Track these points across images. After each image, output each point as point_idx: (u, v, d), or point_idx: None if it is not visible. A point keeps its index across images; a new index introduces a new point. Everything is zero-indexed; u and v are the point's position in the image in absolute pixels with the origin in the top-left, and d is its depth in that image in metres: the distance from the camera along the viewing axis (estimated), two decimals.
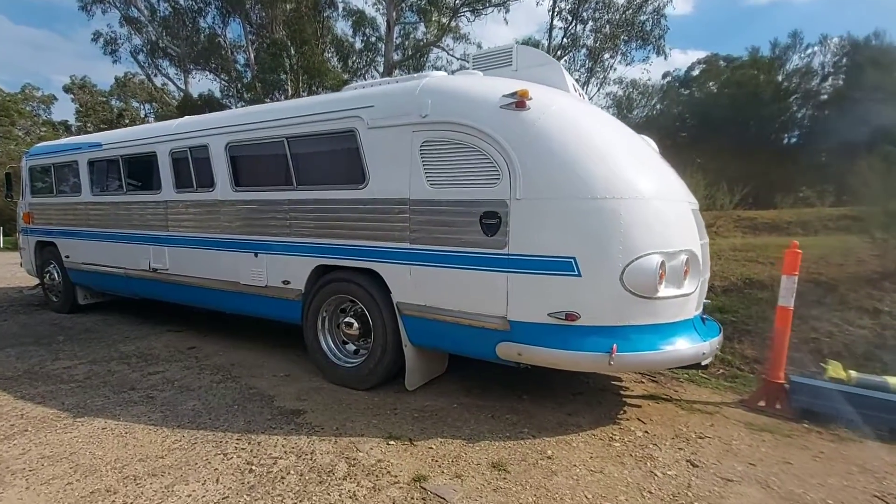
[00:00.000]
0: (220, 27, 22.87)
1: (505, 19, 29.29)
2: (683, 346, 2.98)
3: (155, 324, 5.90)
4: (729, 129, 19.97)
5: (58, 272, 6.49)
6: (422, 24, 23.72)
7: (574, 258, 2.81)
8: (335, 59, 23.47)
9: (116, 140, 5.42)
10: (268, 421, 3.18)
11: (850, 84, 17.49)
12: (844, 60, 18.47)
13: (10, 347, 4.90)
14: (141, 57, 23.18)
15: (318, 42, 21.97)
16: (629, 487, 2.47)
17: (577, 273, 2.81)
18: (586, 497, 2.38)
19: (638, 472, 2.61)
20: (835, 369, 3.70)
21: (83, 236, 5.89)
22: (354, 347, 3.92)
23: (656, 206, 2.97)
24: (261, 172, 4.28)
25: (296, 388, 3.77)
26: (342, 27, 23.91)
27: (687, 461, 2.74)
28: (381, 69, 23.13)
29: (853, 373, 3.60)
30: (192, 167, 4.63)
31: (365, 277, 3.60)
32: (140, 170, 5.28)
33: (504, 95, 3.03)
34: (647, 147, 3.21)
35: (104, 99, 39.91)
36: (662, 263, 2.85)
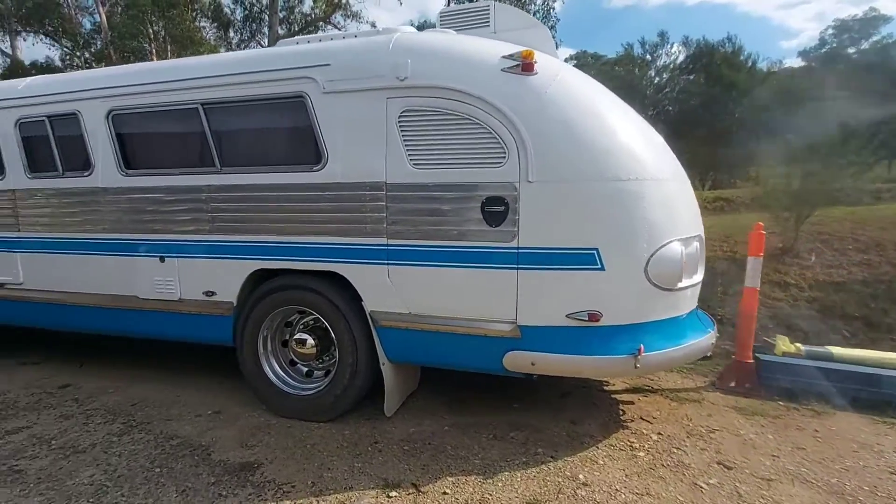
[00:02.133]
0: None
1: (400, 1, 28.46)
2: (698, 338, 2.77)
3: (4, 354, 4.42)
4: None
5: None
6: None
7: (597, 249, 2.42)
8: (214, 28, 20.76)
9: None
10: (212, 487, 2.35)
11: (708, 80, 19.81)
12: (703, 60, 20.90)
13: None
14: None
15: (188, 8, 19.18)
16: None
17: (599, 266, 2.43)
18: None
19: (682, 486, 2.33)
20: (784, 343, 3.84)
21: None
22: (307, 369, 3.16)
23: (673, 187, 2.70)
24: (165, 150, 3.25)
25: (235, 430, 2.93)
26: None
27: (718, 464, 2.54)
28: (265, 43, 20.93)
29: (800, 346, 3.77)
30: (55, 144, 3.40)
31: (324, 283, 2.87)
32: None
33: (504, 57, 2.51)
34: (644, 122, 2.94)
35: None
36: (682, 251, 2.59)
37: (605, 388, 3.55)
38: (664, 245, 2.51)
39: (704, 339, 2.82)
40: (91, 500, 2.26)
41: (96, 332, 3.72)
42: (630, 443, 2.75)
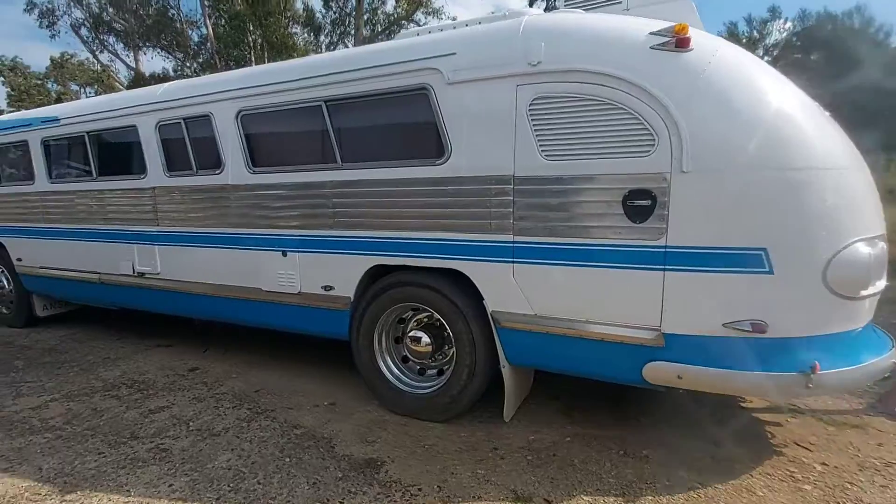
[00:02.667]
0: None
1: None
2: (878, 356, 2.34)
3: (137, 338, 4.86)
4: None
5: (7, 279, 5.30)
6: None
7: (765, 250, 2.10)
8: (306, 33, 21.87)
9: (80, 113, 4.29)
10: (340, 482, 2.35)
11: (830, 58, 17.57)
12: (820, 34, 18.59)
13: None
14: (83, 32, 20.85)
15: (283, 15, 20.38)
16: None
17: (767, 270, 2.10)
18: None
19: None
20: None
21: (40, 234, 4.75)
22: (419, 367, 3.11)
23: (854, 178, 2.28)
24: (289, 148, 3.35)
25: (352, 424, 2.94)
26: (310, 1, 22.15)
27: None
28: (351, 45, 21.72)
29: None
30: (190, 144, 3.63)
31: (444, 280, 2.79)
32: (116, 149, 4.21)
33: (653, 33, 2.25)
34: (814, 103, 2.53)
35: (39, 82, 36.45)
36: (869, 253, 2.18)
37: (744, 405, 3.16)
38: (847, 246, 2.13)
39: (885, 357, 2.37)
40: (231, 484, 2.35)
41: (221, 320, 3.96)
42: (790, 472, 2.39)
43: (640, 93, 2.20)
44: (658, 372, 2.31)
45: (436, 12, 22.63)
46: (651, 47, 2.23)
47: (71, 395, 3.49)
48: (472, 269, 2.67)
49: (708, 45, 2.27)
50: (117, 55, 21.79)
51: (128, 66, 22.25)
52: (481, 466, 2.46)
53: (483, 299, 2.68)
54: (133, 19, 20.66)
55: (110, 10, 20.47)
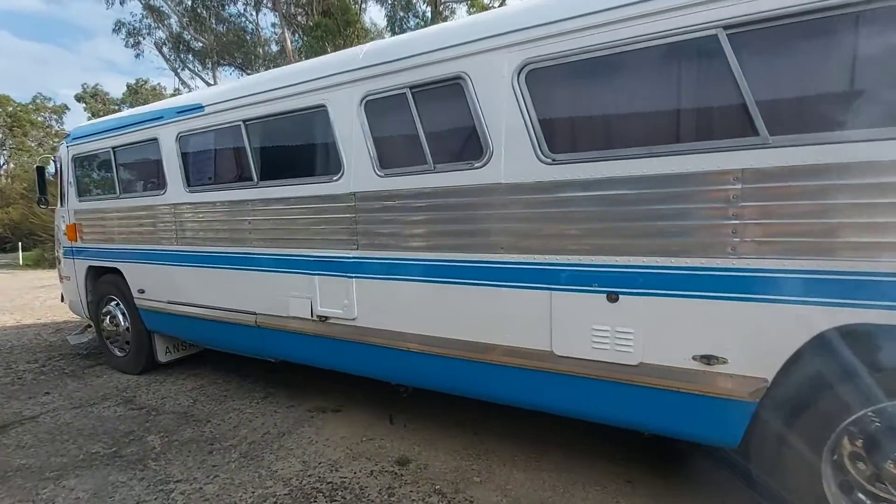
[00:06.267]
0: (251, 15, 20.83)
1: None
2: None
3: (285, 394, 3.69)
4: None
5: (124, 314, 4.28)
6: (464, 4, 21.47)
7: None
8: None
9: (235, 96, 3.18)
10: None
11: None
12: None
13: (68, 472, 2.68)
14: (164, 50, 21.19)
15: (357, 24, 19.89)
16: None
17: None
18: None
19: None
20: None
21: (171, 259, 3.67)
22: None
23: None
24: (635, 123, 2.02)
25: None
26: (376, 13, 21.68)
27: None
28: None
29: None
30: (421, 125, 2.38)
31: None
32: (288, 142, 3.06)
33: None
34: None
35: (117, 107, 38.32)
36: None
37: None
38: None
39: None
40: None
41: (454, 392, 2.63)
42: None
43: None
44: None
45: None
46: None
47: None
48: None
49: None
50: (197, 73, 21.95)
51: (207, 83, 22.39)
52: None
53: None
54: (212, 38, 20.75)
55: (191, 29, 20.63)
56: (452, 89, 2.27)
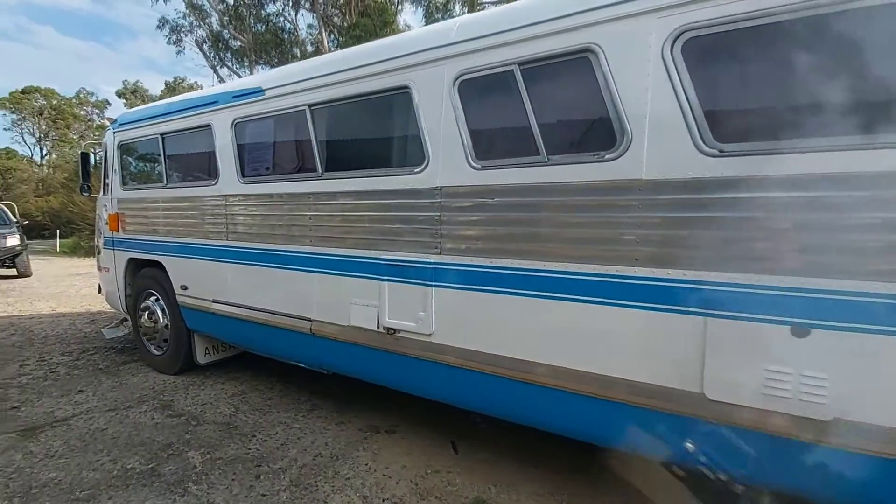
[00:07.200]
0: (290, 14, 20.95)
1: None
2: None
3: (332, 405, 3.35)
4: None
5: (163, 311, 4.00)
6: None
7: None
8: None
9: (300, 78, 2.85)
10: None
11: None
12: None
13: (100, 492, 2.36)
14: (205, 48, 21.49)
15: (393, 24, 19.77)
16: None
17: None
18: None
19: None
20: None
21: (220, 255, 3.36)
22: None
23: None
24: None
25: None
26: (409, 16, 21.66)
27: None
28: None
29: None
30: (531, 107, 1.99)
31: None
32: (358, 130, 2.72)
33: None
34: None
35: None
36: None
37: None
38: None
39: None
40: None
41: (541, 427, 2.20)
42: None
43: None
44: None
45: None
46: None
47: None
48: None
49: None
50: (235, 71, 22.17)
51: None
52: None
53: None
54: (250, 37, 20.93)
55: (231, 28, 20.85)
56: (576, 65, 1.88)
